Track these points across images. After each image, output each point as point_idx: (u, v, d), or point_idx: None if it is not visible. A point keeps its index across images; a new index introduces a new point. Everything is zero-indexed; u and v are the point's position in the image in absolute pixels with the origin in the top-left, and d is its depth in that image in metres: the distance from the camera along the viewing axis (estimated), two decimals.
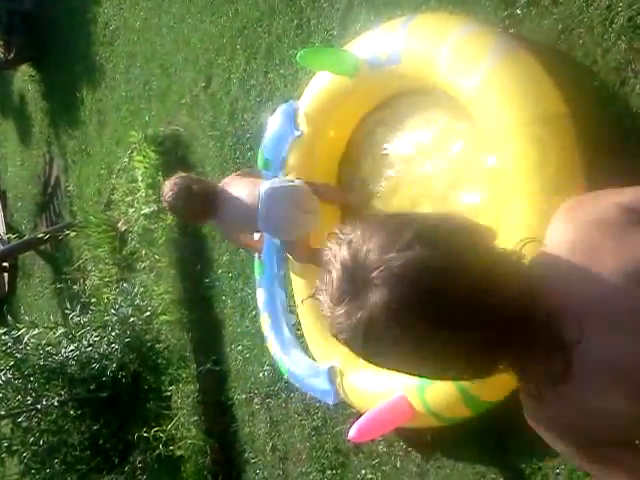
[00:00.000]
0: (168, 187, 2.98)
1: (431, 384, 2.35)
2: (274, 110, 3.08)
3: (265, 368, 3.62)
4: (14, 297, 7.77)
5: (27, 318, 5.06)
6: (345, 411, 3.11)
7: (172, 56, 4.69)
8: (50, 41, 6.63)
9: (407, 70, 2.52)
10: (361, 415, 2.58)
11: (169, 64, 4.73)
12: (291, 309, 3.38)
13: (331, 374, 2.86)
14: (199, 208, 2.93)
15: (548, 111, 2.13)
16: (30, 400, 4.74)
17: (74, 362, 4.71)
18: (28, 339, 4.80)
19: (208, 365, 4.05)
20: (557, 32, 2.25)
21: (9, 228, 7.85)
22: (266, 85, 3.67)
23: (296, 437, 3.46)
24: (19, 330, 4.92)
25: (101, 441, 4.85)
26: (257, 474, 3.72)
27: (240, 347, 3.87)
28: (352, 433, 2.43)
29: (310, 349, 3.08)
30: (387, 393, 2.52)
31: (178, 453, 4.21)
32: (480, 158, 2.44)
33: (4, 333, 4.93)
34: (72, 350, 4.81)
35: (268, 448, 3.63)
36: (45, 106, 7.07)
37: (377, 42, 2.63)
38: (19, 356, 4.77)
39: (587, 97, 2.15)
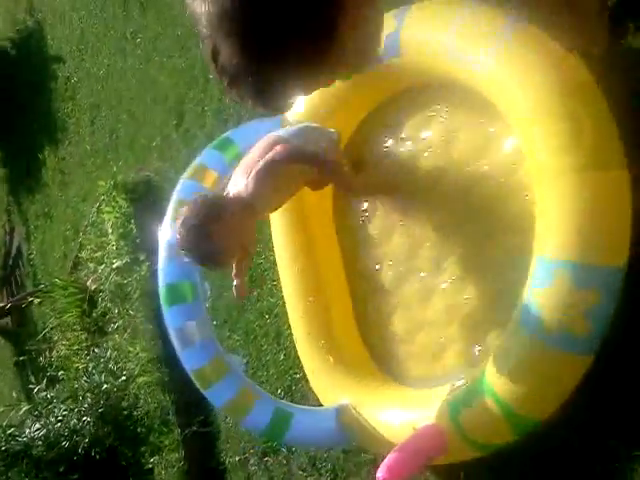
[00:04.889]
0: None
1: (467, 405, 2.01)
2: None
3: None
4: None
5: None
6: (357, 459, 2.71)
7: (139, 100, 4.44)
8: (7, 105, 6.34)
9: (408, 62, 2.28)
10: (384, 456, 2.19)
11: (136, 108, 4.47)
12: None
13: (341, 414, 2.46)
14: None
15: (574, 79, 1.89)
16: None
17: (40, 442, 4.22)
18: None
19: (194, 428, 3.60)
20: None
21: None
22: (244, 114, 3.40)
23: None
24: None
25: None
26: None
27: None
28: (381, 473, 2.04)
29: (315, 391, 2.69)
30: (409, 426, 2.16)
31: None
32: (498, 146, 2.18)
33: None
34: (38, 429, 4.33)
35: None
36: (4, 173, 6.74)
37: None
38: None
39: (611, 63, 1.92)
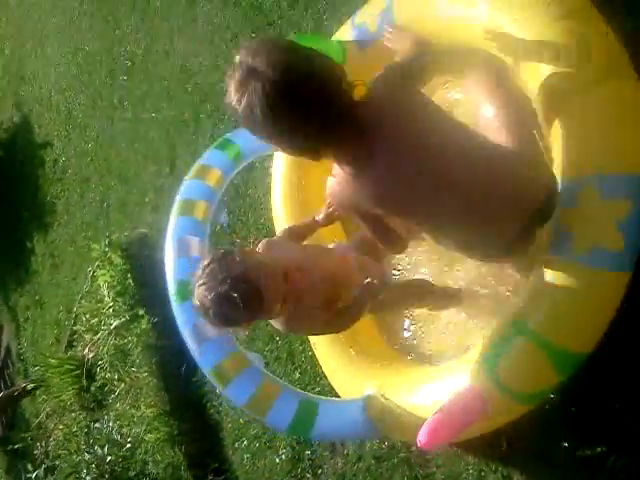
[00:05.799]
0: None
1: (502, 354, 1.87)
2: None
3: (281, 451, 2.97)
4: None
5: None
6: (390, 462, 2.50)
7: (129, 161, 4.46)
8: None
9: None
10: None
11: (127, 171, 4.48)
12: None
13: (369, 404, 2.29)
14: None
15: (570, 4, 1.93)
16: None
17: None
18: None
19: (209, 478, 3.34)
20: None
21: None
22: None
23: None
24: None
25: None
26: None
27: (245, 442, 3.20)
28: (421, 437, 1.87)
29: (334, 385, 2.54)
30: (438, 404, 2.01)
31: None
32: None
33: None
34: None
35: None
36: None
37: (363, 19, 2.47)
38: None
39: None
